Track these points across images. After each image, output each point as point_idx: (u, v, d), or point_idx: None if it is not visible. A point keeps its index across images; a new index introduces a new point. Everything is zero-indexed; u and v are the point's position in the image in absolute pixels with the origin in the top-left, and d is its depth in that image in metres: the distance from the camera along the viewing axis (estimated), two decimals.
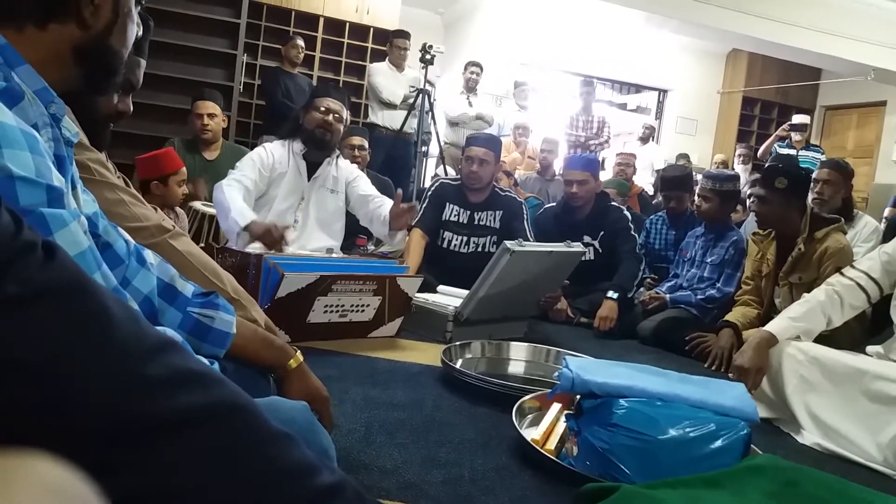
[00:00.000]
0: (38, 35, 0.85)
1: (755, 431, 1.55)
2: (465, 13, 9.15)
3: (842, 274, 2.30)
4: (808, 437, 2.00)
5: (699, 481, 1.31)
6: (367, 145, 4.33)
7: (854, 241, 3.43)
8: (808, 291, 2.39)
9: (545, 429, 1.65)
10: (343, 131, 3.28)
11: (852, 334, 2.44)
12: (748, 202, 4.49)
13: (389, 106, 5.75)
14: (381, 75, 5.80)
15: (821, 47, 7.48)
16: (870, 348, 2.21)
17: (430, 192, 3.57)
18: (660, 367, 1.76)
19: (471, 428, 1.75)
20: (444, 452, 1.56)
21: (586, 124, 6.67)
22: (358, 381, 2.01)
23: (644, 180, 7.18)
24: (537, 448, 1.54)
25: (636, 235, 3.65)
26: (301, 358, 1.20)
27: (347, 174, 3.30)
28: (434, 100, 5.59)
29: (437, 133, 5.60)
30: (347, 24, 7.36)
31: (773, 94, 9.78)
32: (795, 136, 6.67)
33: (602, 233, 3.65)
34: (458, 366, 2.17)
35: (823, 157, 6.13)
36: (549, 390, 1.74)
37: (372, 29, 7.41)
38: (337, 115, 3.14)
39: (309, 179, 3.19)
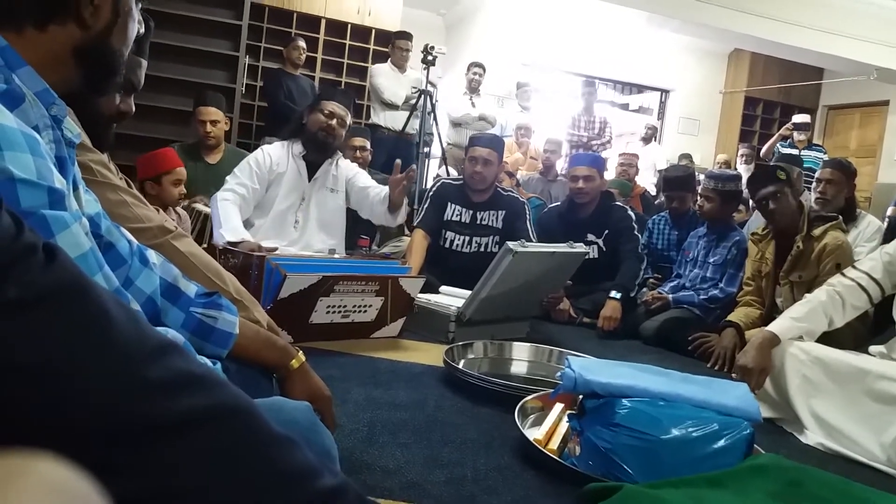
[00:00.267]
0: (37, 36, 0.85)
1: (758, 431, 1.54)
2: (467, 14, 9.15)
3: (843, 274, 2.29)
4: (812, 436, 1.99)
5: (702, 481, 1.31)
6: (368, 146, 4.33)
7: (857, 240, 3.42)
8: (809, 290, 2.39)
9: (548, 429, 1.65)
10: (345, 135, 3.30)
11: (855, 334, 2.44)
12: (751, 203, 4.48)
13: (391, 107, 5.75)
14: (383, 76, 5.80)
15: (823, 47, 7.47)
16: (872, 348, 2.20)
17: (431, 193, 3.57)
18: (662, 367, 1.76)
19: (473, 428, 1.75)
20: (447, 452, 1.56)
21: (588, 125, 6.67)
22: (360, 382, 2.01)
23: (646, 180, 7.17)
24: (540, 448, 1.54)
25: (639, 235, 3.65)
26: (303, 358, 1.20)
27: (347, 172, 3.32)
28: (436, 101, 5.59)
29: (438, 134, 5.60)
30: (349, 26, 7.37)
31: (776, 93, 9.77)
32: (798, 136, 6.67)
33: (606, 231, 3.66)
34: (460, 366, 2.17)
35: (826, 157, 6.12)
36: (552, 390, 1.74)
37: (374, 30, 7.43)
38: (340, 120, 3.16)
39: (310, 180, 3.20)
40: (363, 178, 3.33)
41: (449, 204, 3.50)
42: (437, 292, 2.99)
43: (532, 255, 2.63)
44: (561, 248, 2.81)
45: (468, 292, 2.69)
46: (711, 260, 3.40)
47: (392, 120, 5.72)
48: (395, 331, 2.66)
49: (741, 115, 9.79)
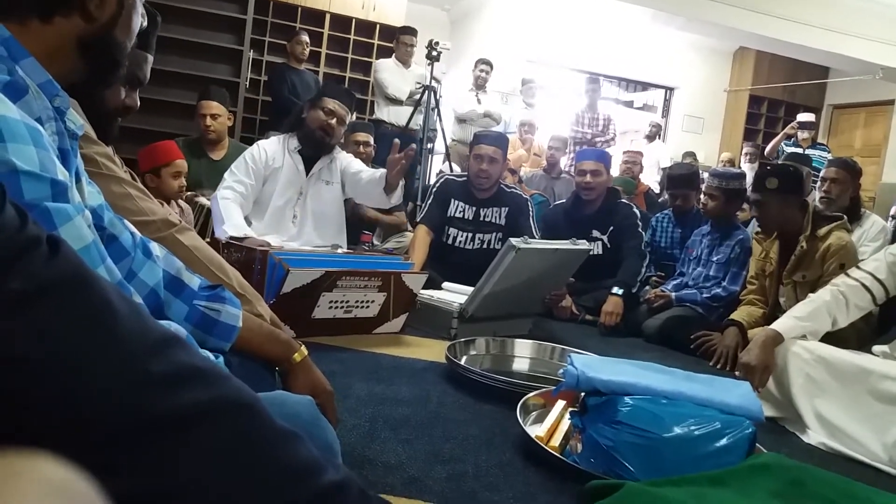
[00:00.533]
0: (42, 28, 0.85)
1: (760, 430, 1.54)
2: (472, 10, 9.13)
3: (847, 274, 2.28)
4: (814, 436, 1.99)
5: (704, 479, 1.30)
6: (372, 141, 4.33)
7: (861, 240, 3.42)
8: (813, 289, 2.39)
9: (549, 426, 1.65)
10: (344, 131, 3.31)
11: (859, 334, 2.43)
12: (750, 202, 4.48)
13: (395, 102, 5.75)
14: (388, 71, 5.80)
15: (829, 46, 7.44)
16: (876, 348, 2.20)
17: (435, 189, 3.57)
18: (665, 365, 1.76)
19: (475, 424, 1.75)
20: (449, 448, 1.56)
21: (592, 121, 6.66)
22: (362, 377, 2.01)
23: (650, 178, 7.17)
24: (541, 445, 1.54)
25: (643, 233, 3.65)
26: (306, 352, 1.20)
27: (342, 163, 3.31)
28: (440, 96, 5.59)
29: (442, 130, 5.59)
30: (354, 21, 7.36)
31: (781, 92, 9.74)
32: (802, 135, 6.66)
33: (611, 228, 3.66)
34: (462, 362, 2.17)
35: (830, 156, 6.11)
36: (554, 387, 1.74)
37: (378, 25, 7.41)
38: (340, 119, 3.16)
39: (307, 175, 3.20)
40: (356, 165, 3.33)
41: (452, 200, 3.50)
42: (440, 288, 2.99)
43: (535, 252, 2.63)
44: (564, 245, 2.81)
45: (471, 289, 2.69)
46: (715, 258, 3.39)
47: (396, 115, 5.71)
48: (398, 326, 2.66)
49: (746, 114, 9.76)
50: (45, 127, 0.81)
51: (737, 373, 2.20)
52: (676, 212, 3.92)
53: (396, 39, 5.99)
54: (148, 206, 1.42)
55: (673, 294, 3.39)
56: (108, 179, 1.32)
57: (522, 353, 2.49)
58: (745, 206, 4.11)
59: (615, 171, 5.88)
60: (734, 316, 2.91)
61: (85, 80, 0.93)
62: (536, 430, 1.62)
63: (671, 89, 10.03)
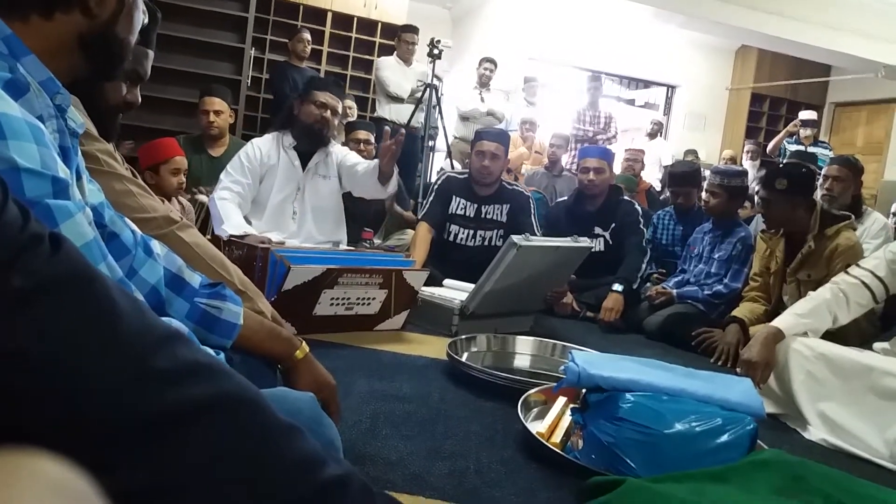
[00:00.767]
0: (43, 25, 0.85)
1: (761, 427, 1.54)
2: (473, 8, 9.13)
3: (847, 272, 2.28)
4: (815, 432, 1.99)
5: (705, 476, 1.30)
6: (373, 139, 4.33)
7: (863, 237, 3.41)
8: (816, 288, 2.38)
9: (551, 422, 1.65)
10: (337, 123, 3.31)
11: (861, 331, 2.43)
12: (756, 199, 4.47)
13: (397, 100, 5.75)
14: (389, 69, 5.80)
15: (831, 44, 7.44)
16: (877, 345, 2.20)
17: (436, 186, 3.56)
18: (666, 361, 1.76)
19: (476, 421, 1.75)
20: (450, 445, 1.56)
21: (593, 119, 6.65)
22: (364, 374, 2.01)
23: (652, 176, 7.16)
24: (543, 441, 1.54)
25: (644, 229, 3.65)
26: (307, 349, 1.20)
27: (338, 157, 3.31)
28: (441, 94, 5.58)
29: (444, 128, 5.59)
30: (355, 19, 7.36)
31: (783, 90, 9.72)
32: (804, 133, 6.65)
33: (613, 225, 3.66)
34: (463, 359, 2.17)
35: (831, 154, 6.10)
36: (555, 384, 1.74)
37: (380, 23, 7.42)
38: (333, 111, 3.17)
39: (303, 170, 3.20)
40: (352, 157, 3.32)
41: (454, 197, 3.50)
42: (441, 285, 2.99)
43: (536, 250, 2.63)
44: (565, 242, 2.81)
45: (472, 286, 2.69)
46: (716, 255, 3.39)
47: (397, 113, 5.71)
48: (399, 323, 2.66)
49: (747, 112, 9.75)
50: (46, 125, 0.81)
51: (738, 369, 2.20)
52: (678, 209, 3.91)
53: (398, 37, 5.99)
54: (149, 202, 1.42)
55: (674, 291, 3.39)
56: (109, 176, 1.32)
57: (523, 350, 2.49)
58: (747, 203, 4.11)
59: (617, 168, 5.89)
60: (735, 313, 2.91)
61: (87, 75, 0.93)
62: (538, 427, 1.62)
63: (673, 87, 10.02)
